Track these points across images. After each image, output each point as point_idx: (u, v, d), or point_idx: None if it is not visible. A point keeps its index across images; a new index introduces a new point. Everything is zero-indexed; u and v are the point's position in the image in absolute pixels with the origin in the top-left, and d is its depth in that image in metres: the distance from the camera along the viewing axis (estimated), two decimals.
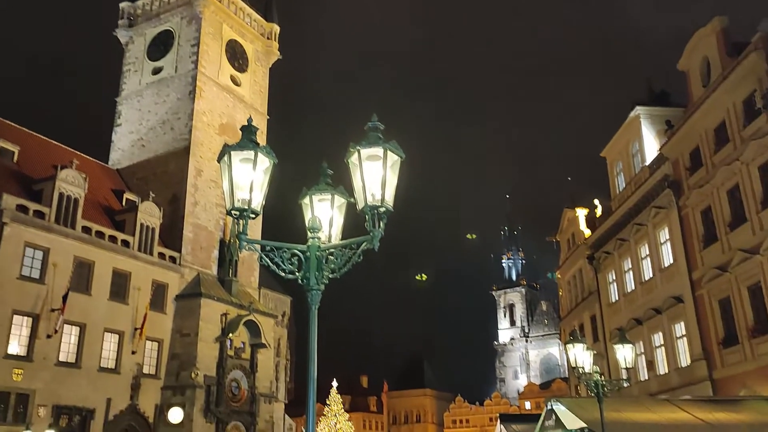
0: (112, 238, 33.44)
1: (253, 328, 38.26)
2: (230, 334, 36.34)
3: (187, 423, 33.68)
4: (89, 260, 31.92)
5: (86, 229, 32.11)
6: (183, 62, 41.82)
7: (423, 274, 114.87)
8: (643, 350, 27.74)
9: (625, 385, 22.69)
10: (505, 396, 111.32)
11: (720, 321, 22.99)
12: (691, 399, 20.33)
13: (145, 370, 33.79)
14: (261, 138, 43.99)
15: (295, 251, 5.26)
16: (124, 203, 37.57)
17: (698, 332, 24.10)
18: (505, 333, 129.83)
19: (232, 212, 5.12)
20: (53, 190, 30.97)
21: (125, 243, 34.11)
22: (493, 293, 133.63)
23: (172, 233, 37.53)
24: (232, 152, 5.23)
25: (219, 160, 5.32)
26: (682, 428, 17.08)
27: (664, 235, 26.76)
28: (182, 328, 35.61)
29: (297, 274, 5.25)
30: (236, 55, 44.61)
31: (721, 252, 22.77)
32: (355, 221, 5.53)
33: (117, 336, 32.71)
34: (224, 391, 35.72)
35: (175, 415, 33.82)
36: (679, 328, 25.65)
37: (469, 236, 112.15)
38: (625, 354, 13.55)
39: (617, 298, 30.97)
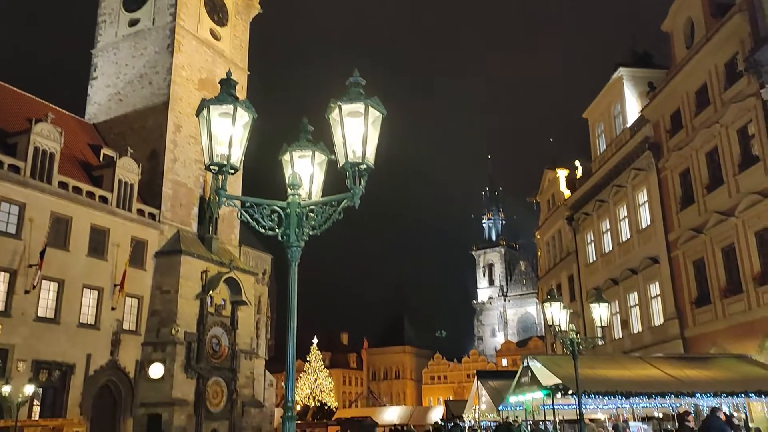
0: (90, 194, 33.01)
1: (234, 286, 38.33)
2: (210, 292, 36.39)
3: (167, 378, 33.92)
4: (66, 216, 31.52)
5: (63, 185, 31.63)
6: (161, 14, 40.72)
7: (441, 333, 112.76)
8: (618, 309, 28.31)
9: (600, 343, 23.21)
10: (482, 353, 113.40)
11: (693, 281, 23.47)
12: (663, 356, 20.87)
13: (125, 327, 33.80)
14: (241, 94, 43.34)
15: (275, 208, 5.21)
16: (101, 159, 37.00)
17: (672, 292, 24.62)
18: (483, 292, 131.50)
19: (211, 167, 5.04)
20: (28, 144, 30.35)
21: (103, 199, 33.70)
22: (473, 253, 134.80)
23: (151, 190, 37.11)
24: (211, 106, 5.12)
25: (197, 114, 5.22)
26: (654, 384, 17.56)
27: (642, 196, 27.05)
28: (162, 284, 35.54)
29: (277, 230, 5.21)
30: (216, 8, 43.53)
31: (698, 214, 23.11)
32: (336, 179, 5.48)
33: (96, 292, 32.57)
34: (205, 347, 35.92)
35: (156, 370, 34.03)
36: (654, 288, 26.17)
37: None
38: (600, 313, 13.79)
39: (595, 259, 31.42)
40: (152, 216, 36.37)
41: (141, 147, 38.02)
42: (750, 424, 19.25)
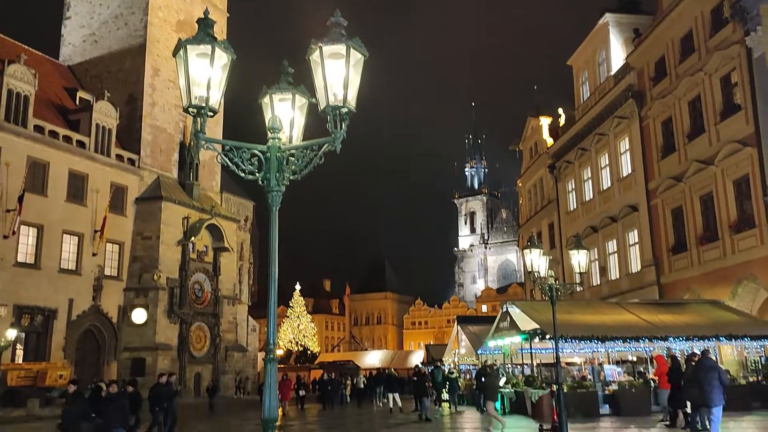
0: (67, 139, 32.41)
1: (216, 232, 38.29)
2: (192, 238, 36.33)
3: (150, 323, 34.15)
4: (44, 161, 31.02)
5: (39, 129, 31.00)
6: None
7: None
8: (597, 257, 28.76)
9: (578, 289, 23.64)
10: (462, 300, 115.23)
11: (671, 229, 23.83)
12: (638, 302, 21.35)
13: (107, 272, 33.76)
14: (220, 36, 42.09)
15: (255, 152, 5.12)
16: (77, 102, 36.19)
17: (650, 240, 25.00)
18: (465, 239, 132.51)
19: (189, 110, 4.92)
20: (1, 86, 29.54)
21: (80, 144, 33.13)
22: (455, 201, 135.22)
23: (129, 135, 36.51)
24: (188, 46, 4.96)
25: (174, 54, 5.06)
26: (629, 329, 18.01)
27: (624, 145, 27.15)
28: (143, 230, 35.38)
29: (257, 175, 5.15)
30: None
31: (678, 163, 23.28)
32: (317, 123, 5.39)
33: (76, 238, 32.36)
34: (187, 293, 36.10)
35: (139, 315, 34.21)
36: (633, 236, 26.55)
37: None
38: (579, 259, 13.97)
39: (575, 207, 31.70)
40: (132, 161, 35.90)
41: (118, 90, 37.21)
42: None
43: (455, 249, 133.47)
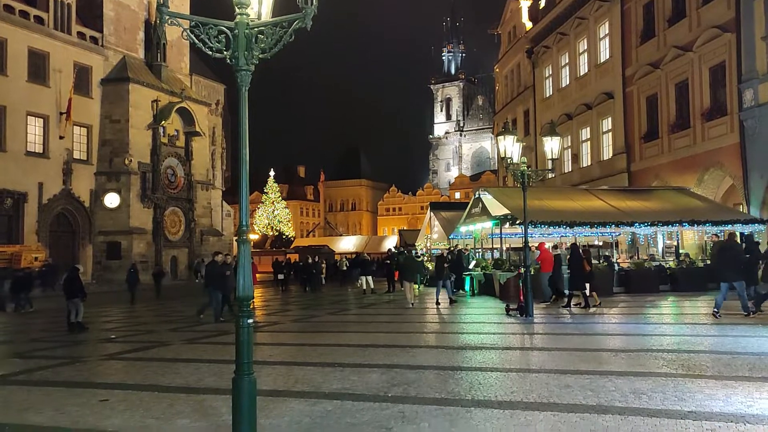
0: (24, 14, 30.67)
1: (186, 116, 37.48)
2: (163, 122, 35.54)
3: (124, 208, 34.07)
4: (1, 38, 29.49)
5: None
6: None
7: None
8: (570, 144, 28.94)
9: (550, 176, 23.99)
10: (436, 187, 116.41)
11: (645, 117, 23.93)
12: (608, 189, 21.78)
13: (76, 156, 33.17)
14: None
15: (222, 28, 4.90)
16: None
17: (623, 127, 25.14)
18: (440, 127, 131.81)
19: None
20: None
21: (38, 20, 31.42)
22: (431, 86, 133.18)
23: (91, 12, 34.62)
24: None
25: None
26: (597, 215, 18.47)
27: (604, 29, 26.61)
28: (111, 113, 34.47)
29: (225, 53, 4.95)
30: None
31: (656, 49, 22.99)
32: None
33: (41, 120, 31.45)
34: (160, 177, 35.82)
35: (111, 199, 34.04)
36: (606, 123, 26.64)
37: None
38: (552, 146, 14.03)
39: (551, 93, 31.45)
40: (94, 40, 34.33)
41: None
42: (680, 250, 20.72)
43: (430, 136, 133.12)
